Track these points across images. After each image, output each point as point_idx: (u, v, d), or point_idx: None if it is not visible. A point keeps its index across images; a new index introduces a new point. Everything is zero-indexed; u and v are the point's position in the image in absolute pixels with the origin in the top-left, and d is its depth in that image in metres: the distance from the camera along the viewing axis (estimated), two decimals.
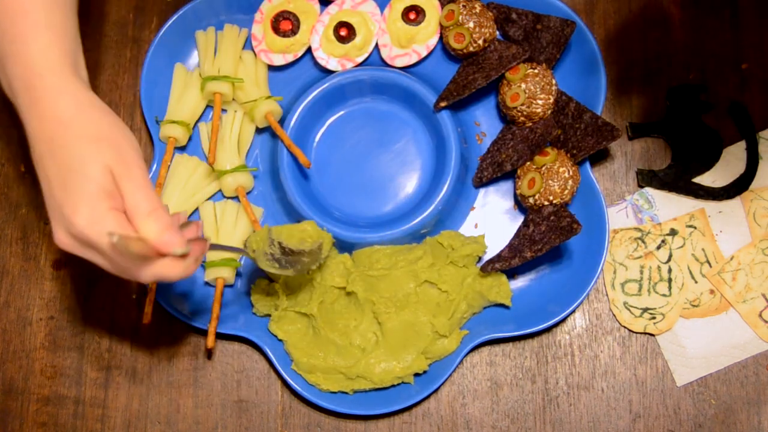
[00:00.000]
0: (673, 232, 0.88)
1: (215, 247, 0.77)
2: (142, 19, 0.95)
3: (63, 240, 0.67)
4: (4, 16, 0.68)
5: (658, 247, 0.88)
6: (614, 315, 0.87)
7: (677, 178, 0.89)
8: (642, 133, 0.91)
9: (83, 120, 0.67)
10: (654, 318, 0.86)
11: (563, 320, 0.87)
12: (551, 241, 0.80)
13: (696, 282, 0.87)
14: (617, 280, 0.87)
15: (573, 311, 0.86)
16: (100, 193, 0.65)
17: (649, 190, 0.89)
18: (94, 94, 0.70)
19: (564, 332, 0.87)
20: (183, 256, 0.67)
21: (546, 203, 0.84)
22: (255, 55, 0.91)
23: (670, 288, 0.87)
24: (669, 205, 0.89)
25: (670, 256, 0.88)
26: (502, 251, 0.85)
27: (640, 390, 0.86)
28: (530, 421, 0.85)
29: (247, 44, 0.92)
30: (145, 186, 0.66)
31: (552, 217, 0.83)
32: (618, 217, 0.89)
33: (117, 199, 0.65)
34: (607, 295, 0.88)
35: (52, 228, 0.67)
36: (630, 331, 0.87)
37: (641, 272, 0.88)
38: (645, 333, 0.87)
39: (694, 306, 0.87)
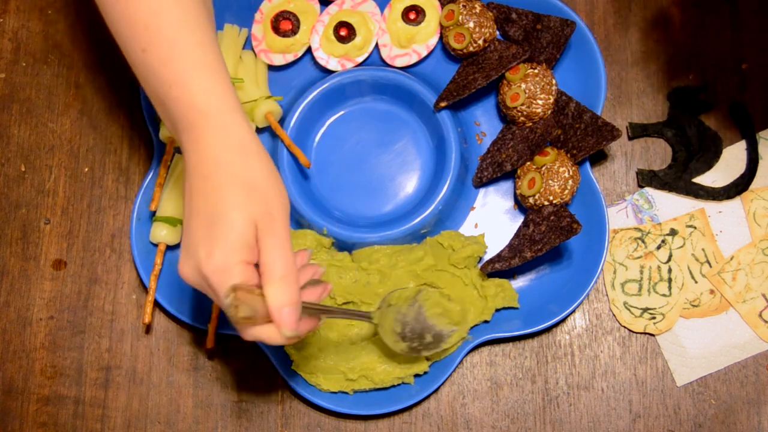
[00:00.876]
0: (673, 232, 0.88)
1: (338, 315, 0.76)
2: None
3: (188, 274, 0.67)
4: (159, 62, 0.69)
5: (658, 247, 0.88)
6: (614, 315, 0.87)
7: (677, 178, 0.89)
8: (642, 133, 0.91)
9: (242, 165, 0.67)
10: (654, 318, 0.86)
11: (563, 320, 0.87)
12: (551, 241, 0.80)
13: (696, 282, 0.87)
14: (617, 280, 0.87)
15: (573, 311, 0.86)
16: (239, 243, 0.64)
17: (649, 190, 0.89)
18: (256, 137, 0.69)
19: (564, 332, 0.87)
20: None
21: (546, 203, 0.84)
22: (255, 55, 0.91)
23: (670, 288, 0.87)
24: (669, 205, 0.89)
25: (670, 256, 0.88)
26: (502, 251, 0.85)
27: (640, 390, 0.86)
28: (530, 421, 0.85)
29: (247, 44, 0.92)
30: (284, 247, 0.66)
31: (552, 217, 0.83)
32: (618, 217, 0.89)
33: (253, 253, 0.65)
34: (607, 295, 0.88)
35: (180, 259, 0.68)
36: (630, 331, 0.87)
37: (641, 272, 0.88)
38: (645, 333, 0.87)
39: (694, 306, 0.87)
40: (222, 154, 0.67)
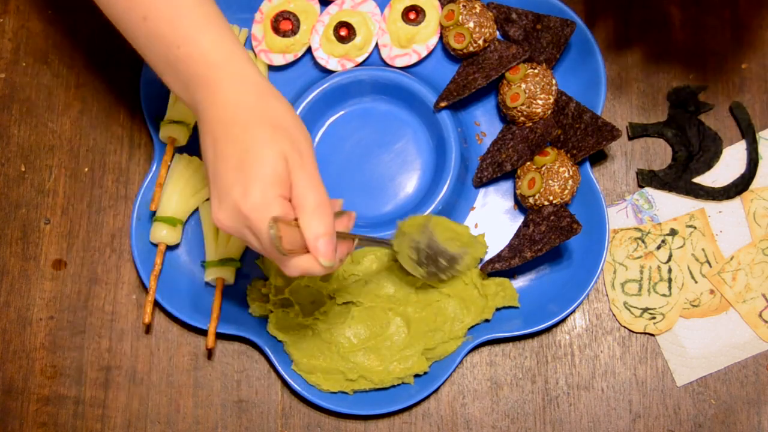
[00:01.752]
0: (673, 232, 0.88)
1: (363, 241, 0.77)
2: None
3: (224, 220, 0.67)
4: (162, 26, 0.70)
5: (658, 247, 0.88)
6: (614, 315, 0.87)
7: (677, 178, 0.89)
8: (642, 133, 0.91)
9: (264, 106, 0.68)
10: (654, 318, 0.86)
11: (563, 320, 0.87)
12: (551, 241, 0.80)
13: (696, 282, 0.87)
14: (617, 280, 0.87)
15: (573, 311, 0.86)
16: (274, 178, 0.66)
17: (649, 190, 0.89)
18: (270, 82, 0.71)
19: (564, 332, 0.87)
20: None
21: (546, 203, 0.84)
22: (255, 55, 0.91)
23: (670, 288, 0.87)
24: (669, 205, 0.89)
25: (670, 256, 0.88)
26: (502, 251, 0.85)
27: (640, 390, 0.86)
28: (530, 421, 0.85)
29: (247, 44, 0.92)
30: (314, 179, 0.67)
31: (552, 217, 0.83)
32: (618, 217, 0.89)
33: (287, 187, 0.67)
34: (607, 295, 0.88)
35: (213, 208, 0.68)
36: (630, 331, 0.87)
37: (641, 272, 0.88)
38: (645, 333, 0.87)
39: (694, 306, 0.87)
40: (243, 98, 0.68)
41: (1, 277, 0.90)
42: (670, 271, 0.87)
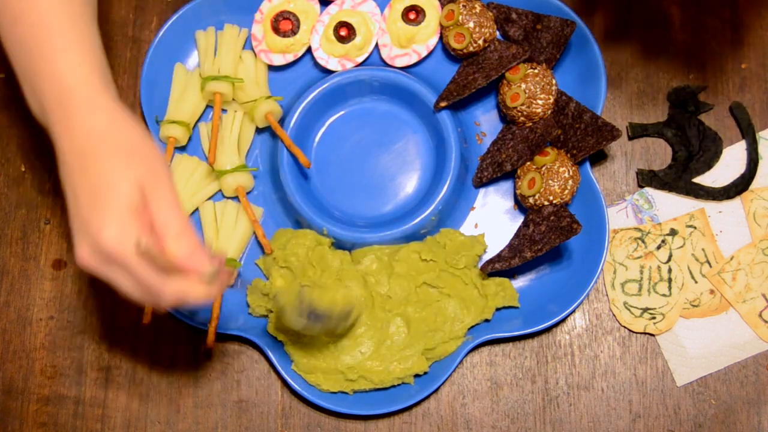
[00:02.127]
0: (673, 232, 0.88)
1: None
2: (142, 19, 0.95)
3: (86, 258, 0.64)
4: (28, 35, 0.68)
5: (658, 247, 0.88)
6: (614, 315, 0.87)
7: (677, 178, 0.89)
8: (642, 133, 0.91)
9: (116, 133, 0.66)
10: (654, 318, 0.86)
11: (563, 320, 0.87)
12: (551, 241, 0.80)
13: (696, 282, 0.87)
14: (617, 280, 0.87)
15: (573, 311, 0.86)
16: (129, 208, 0.63)
17: (649, 190, 0.89)
18: (124, 107, 0.69)
19: (564, 332, 0.87)
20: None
21: (546, 203, 0.84)
22: (255, 55, 0.91)
23: (670, 288, 0.87)
24: (669, 205, 0.89)
25: (670, 256, 0.88)
26: (502, 251, 0.85)
27: (640, 390, 0.86)
28: (530, 421, 0.85)
29: (247, 44, 0.92)
30: (175, 204, 0.65)
31: (552, 217, 0.83)
32: (618, 217, 0.89)
33: (145, 216, 0.64)
34: (607, 295, 0.88)
35: (75, 246, 0.65)
36: (630, 331, 0.87)
37: (641, 272, 0.88)
38: (645, 333, 0.87)
39: (694, 306, 0.87)
40: (94, 127, 0.66)
41: (1, 277, 0.90)
42: (670, 271, 0.87)
